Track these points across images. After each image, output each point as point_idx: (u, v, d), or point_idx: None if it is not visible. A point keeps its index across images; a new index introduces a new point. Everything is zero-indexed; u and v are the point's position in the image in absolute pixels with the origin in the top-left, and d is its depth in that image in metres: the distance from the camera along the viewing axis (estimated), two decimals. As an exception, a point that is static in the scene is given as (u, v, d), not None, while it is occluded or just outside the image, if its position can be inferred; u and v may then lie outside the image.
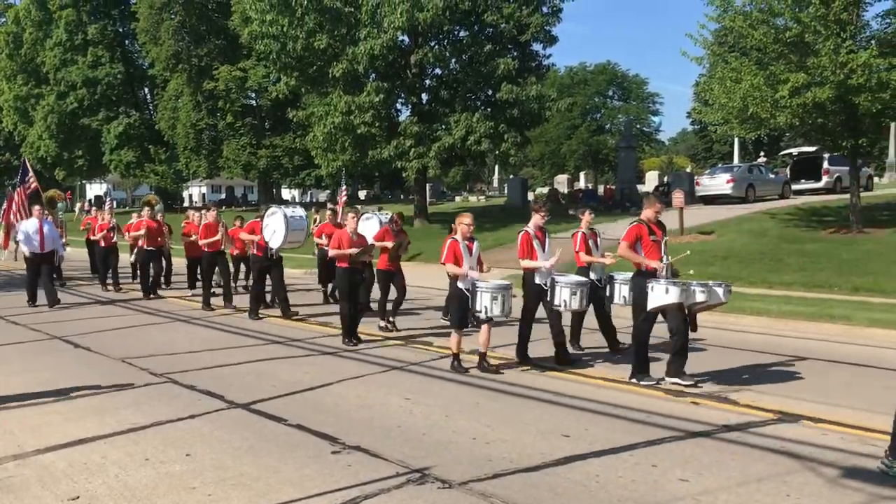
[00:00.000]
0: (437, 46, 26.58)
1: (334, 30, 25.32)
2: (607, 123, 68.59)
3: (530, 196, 40.74)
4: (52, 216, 18.09)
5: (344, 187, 23.52)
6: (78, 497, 4.67)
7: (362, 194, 57.91)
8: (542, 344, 8.97)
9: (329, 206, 17.28)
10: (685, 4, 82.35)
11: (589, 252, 9.20)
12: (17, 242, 17.16)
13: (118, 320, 12.51)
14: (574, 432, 5.90)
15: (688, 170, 47.03)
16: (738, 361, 8.60)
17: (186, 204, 66.21)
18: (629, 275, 8.37)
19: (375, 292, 11.11)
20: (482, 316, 7.94)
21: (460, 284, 8.14)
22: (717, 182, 28.14)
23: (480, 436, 5.83)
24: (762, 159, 40.86)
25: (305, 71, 27.15)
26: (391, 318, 11.06)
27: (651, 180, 44.83)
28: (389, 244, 11.10)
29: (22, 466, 5.26)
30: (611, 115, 68.81)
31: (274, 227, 12.19)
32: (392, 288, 11.27)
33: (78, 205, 61.45)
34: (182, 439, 5.80)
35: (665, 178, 41.36)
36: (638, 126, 65.61)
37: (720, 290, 7.56)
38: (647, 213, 7.80)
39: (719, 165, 40.00)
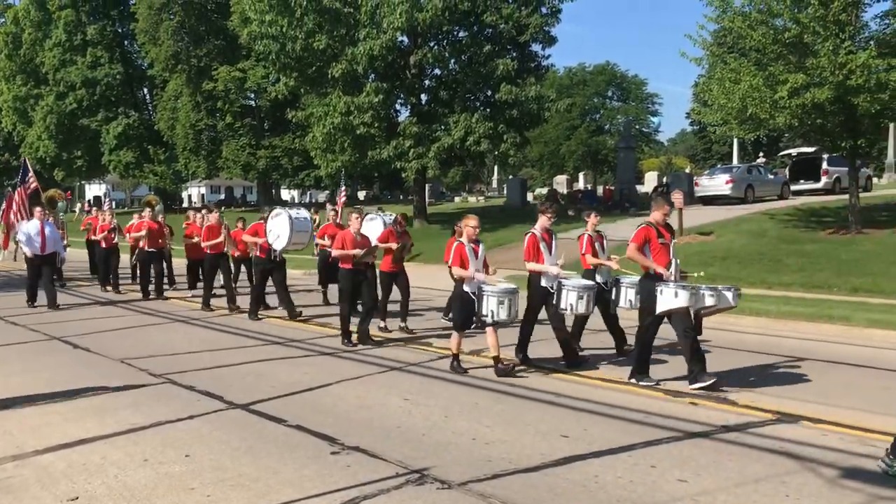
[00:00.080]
0: (436, 47, 26.61)
1: (333, 30, 25.34)
2: (606, 124, 68.69)
3: (529, 197, 40.78)
4: (53, 216, 18.03)
5: (343, 188, 23.50)
6: (77, 498, 4.67)
7: (361, 195, 57.93)
8: (542, 344, 8.97)
9: (329, 206, 17.28)
10: (684, 5, 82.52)
11: (595, 255, 9.11)
12: (16, 243, 17.15)
13: (117, 321, 12.51)
14: (573, 433, 5.90)
15: (687, 170, 47.04)
16: (736, 362, 8.60)
17: (186, 204, 66.22)
18: (636, 278, 8.35)
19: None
20: (488, 320, 7.86)
21: (466, 287, 8.09)
22: (717, 183, 28.17)
23: (480, 436, 5.84)
24: (761, 160, 40.87)
25: (305, 71, 27.17)
26: (403, 322, 11.00)
27: (650, 181, 44.85)
28: (394, 245, 11.04)
29: (21, 467, 5.26)
30: (610, 115, 68.91)
31: (278, 231, 12.04)
32: (396, 291, 11.21)
33: (78, 205, 61.47)
34: (181, 440, 5.80)
35: (664, 179, 41.37)
36: (637, 127, 65.70)
37: (729, 294, 7.44)
38: (655, 215, 7.72)
39: (718, 166, 40.03)
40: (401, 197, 52.86)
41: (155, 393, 7.38)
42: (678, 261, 7.66)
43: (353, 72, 25.35)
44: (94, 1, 50.44)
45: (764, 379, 7.81)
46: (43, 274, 14.34)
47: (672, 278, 7.43)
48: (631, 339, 8.95)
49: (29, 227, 14.55)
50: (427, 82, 28.15)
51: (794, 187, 28.95)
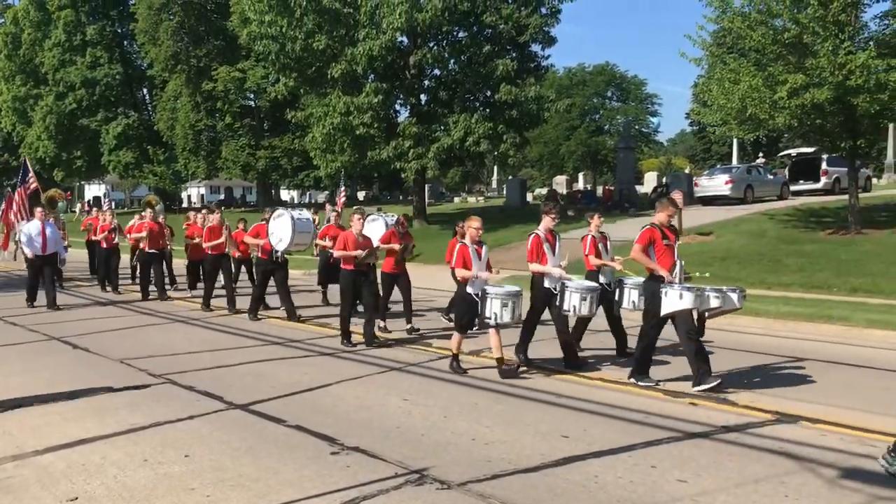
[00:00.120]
0: (435, 47, 26.62)
1: (333, 31, 25.35)
2: (606, 124, 68.71)
3: (529, 197, 40.78)
4: (53, 216, 17.98)
5: (343, 188, 23.61)
6: (77, 498, 4.67)
7: (361, 195, 57.93)
8: (542, 345, 8.97)
9: (329, 207, 17.27)
10: (684, 5, 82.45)
11: (598, 256, 9.07)
12: (16, 243, 17.11)
13: (117, 321, 12.50)
14: (573, 433, 5.90)
15: (686, 171, 47.11)
16: (736, 362, 8.60)
17: (185, 205, 66.19)
18: (639, 279, 8.33)
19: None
20: (491, 322, 7.81)
21: (469, 289, 8.06)
22: (716, 183, 28.16)
23: (479, 436, 5.84)
24: (761, 160, 40.92)
25: (304, 72, 27.17)
26: (409, 323, 10.96)
27: (650, 181, 44.85)
28: (396, 246, 10.98)
29: (21, 467, 5.26)
30: (609, 115, 68.93)
31: (280, 234, 11.97)
32: (396, 292, 11.16)
33: (78, 205, 61.45)
34: (181, 440, 5.80)
35: (664, 179, 41.37)
36: (636, 127, 65.73)
37: (735, 296, 7.41)
38: (659, 216, 7.67)
39: (718, 166, 40.04)
40: (400, 197, 52.86)
41: (155, 393, 7.38)
42: (683, 262, 7.58)
43: (353, 72, 25.36)
44: (93, 1, 50.41)
45: (763, 379, 7.82)
46: (44, 274, 14.30)
47: (676, 280, 7.38)
48: (632, 342, 8.96)
49: (30, 228, 14.50)
50: (426, 83, 28.16)
51: (793, 188, 28.96)
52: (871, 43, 16.79)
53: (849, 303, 12.20)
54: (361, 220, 10.15)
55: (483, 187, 63.12)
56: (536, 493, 4.67)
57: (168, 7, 43.12)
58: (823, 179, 28.22)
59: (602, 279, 8.96)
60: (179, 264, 17.85)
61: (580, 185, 51.51)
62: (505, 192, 44.26)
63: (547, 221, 8.39)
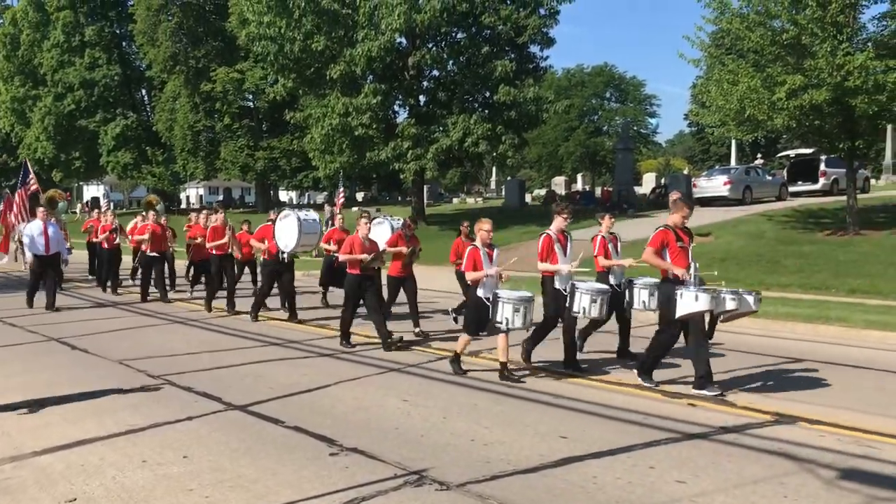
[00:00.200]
0: (434, 48, 26.63)
1: (332, 32, 25.35)
2: (604, 125, 68.77)
3: (528, 198, 40.80)
4: (54, 217, 17.94)
5: (341, 189, 23.59)
6: (75, 499, 4.66)
7: (360, 196, 57.87)
8: (542, 346, 8.93)
9: (327, 207, 17.26)
10: (682, 6, 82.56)
11: (608, 257, 8.92)
12: (18, 243, 17.09)
13: (116, 322, 12.49)
14: (572, 434, 5.91)
15: (685, 172, 47.16)
16: (735, 363, 8.61)
17: (184, 206, 66.18)
18: (649, 279, 8.27)
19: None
20: (503, 328, 7.69)
21: (480, 292, 7.95)
22: (715, 184, 28.16)
23: (478, 437, 5.84)
24: (759, 161, 40.92)
25: (303, 73, 27.18)
26: (416, 326, 10.82)
27: (648, 182, 44.92)
28: (404, 249, 10.88)
29: (19, 468, 5.25)
30: (608, 116, 68.99)
31: (287, 232, 11.87)
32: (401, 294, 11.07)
33: (78, 205, 61.41)
34: (180, 441, 5.79)
35: (662, 180, 41.43)
36: (635, 128, 65.77)
37: (751, 298, 7.24)
38: (673, 218, 7.52)
39: (716, 167, 40.06)
40: (399, 198, 52.86)
41: (153, 394, 7.38)
42: (697, 264, 7.42)
43: (352, 73, 25.37)
44: (92, 2, 50.35)
45: (762, 380, 7.82)
46: (46, 275, 14.18)
47: (691, 281, 7.21)
48: (633, 345, 8.96)
49: (32, 228, 14.34)
50: (425, 83, 28.17)
51: (792, 189, 28.97)
52: (870, 44, 16.80)
53: (847, 304, 12.21)
54: (368, 225, 10.07)
55: (482, 188, 63.12)
56: (535, 493, 4.67)
57: (167, 8, 43.11)
58: (822, 180, 28.24)
59: (612, 280, 8.81)
60: (180, 265, 17.86)
61: (579, 186, 51.57)
62: (503, 192, 44.28)
63: (559, 222, 8.29)
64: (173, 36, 42.84)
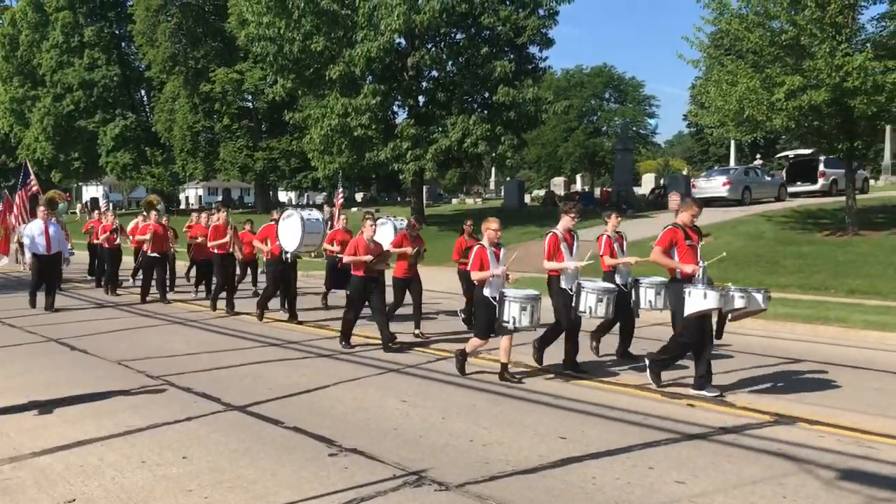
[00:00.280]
0: (433, 49, 26.62)
1: (331, 32, 25.33)
2: (604, 126, 68.77)
3: (527, 198, 40.82)
4: (55, 217, 17.90)
5: (340, 189, 23.56)
6: (74, 500, 4.66)
7: (359, 196, 57.89)
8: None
9: (326, 208, 17.25)
10: (681, 7, 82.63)
11: (614, 256, 8.83)
12: (19, 244, 17.06)
13: (115, 323, 12.48)
14: (571, 434, 5.91)
15: (684, 172, 47.21)
16: (734, 364, 8.61)
17: (183, 206, 66.15)
18: (655, 279, 8.23)
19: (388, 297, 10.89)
20: (510, 327, 7.62)
21: (486, 292, 7.89)
22: (714, 184, 28.17)
23: (478, 438, 5.84)
24: (758, 162, 40.97)
25: (302, 73, 27.15)
26: (417, 328, 10.80)
27: (647, 183, 44.95)
28: (409, 250, 10.82)
29: (18, 469, 5.25)
30: (607, 117, 68.99)
31: (290, 233, 11.85)
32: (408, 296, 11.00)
33: (78, 206, 61.37)
34: (179, 441, 5.79)
35: (661, 181, 41.44)
36: (634, 128, 65.76)
37: (759, 296, 7.17)
38: (683, 216, 7.47)
39: (715, 168, 40.08)
40: (398, 199, 52.86)
41: (153, 395, 7.37)
42: (706, 263, 7.38)
43: (351, 73, 25.34)
44: (91, 3, 50.36)
45: (761, 380, 7.82)
46: (47, 275, 14.08)
47: (701, 279, 7.15)
48: (634, 347, 8.94)
49: (32, 228, 14.26)
50: (424, 84, 28.15)
51: (791, 189, 28.99)
52: (869, 45, 16.81)
53: (846, 304, 12.23)
54: (373, 227, 10.04)
55: (481, 189, 63.15)
56: (534, 494, 4.67)
57: (166, 8, 43.08)
58: (821, 181, 28.26)
59: (618, 279, 8.71)
60: (181, 266, 17.83)
61: (578, 186, 51.57)
62: (503, 193, 44.29)
63: (566, 221, 8.24)
64: (172, 36, 42.82)
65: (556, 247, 8.10)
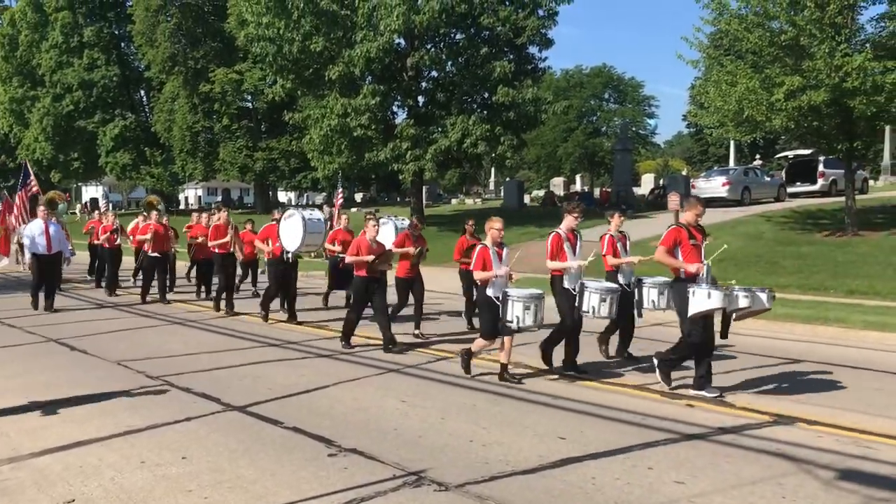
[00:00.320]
0: (433, 49, 26.62)
1: (330, 32, 25.33)
2: (603, 126, 68.71)
3: (527, 199, 40.82)
4: (55, 217, 17.87)
5: (340, 190, 23.55)
6: (73, 500, 4.66)
7: (359, 197, 57.88)
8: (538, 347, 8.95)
9: (326, 208, 17.24)
10: (681, 8, 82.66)
11: (617, 256, 8.78)
12: (19, 244, 17.04)
13: (115, 323, 12.48)
14: (571, 435, 5.91)
15: (683, 173, 47.19)
16: (733, 364, 8.62)
17: (183, 206, 66.15)
18: (658, 278, 8.22)
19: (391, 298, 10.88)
20: (513, 326, 7.60)
21: (489, 292, 7.86)
22: (713, 185, 28.19)
23: (477, 438, 5.84)
24: (758, 162, 40.98)
25: (301, 73, 27.15)
26: (417, 328, 10.77)
27: (647, 183, 44.95)
28: (411, 250, 10.79)
29: (17, 469, 5.25)
30: (606, 117, 68.92)
31: (291, 233, 11.82)
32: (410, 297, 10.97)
33: (78, 206, 61.36)
34: (178, 442, 5.79)
35: (661, 181, 41.44)
36: (634, 129, 65.68)
37: (764, 296, 7.14)
38: (687, 216, 7.46)
39: (715, 168, 40.09)
40: (398, 199, 52.84)
41: (152, 395, 7.37)
42: (710, 263, 7.35)
43: (350, 74, 25.34)
44: (90, 3, 50.33)
45: (760, 381, 7.82)
46: (47, 275, 14.06)
47: (705, 278, 7.12)
48: (633, 348, 8.94)
49: (32, 228, 14.24)
50: (424, 84, 28.15)
51: (790, 189, 29.00)
52: (868, 45, 16.83)
53: (845, 304, 12.23)
54: (376, 227, 10.00)
55: (480, 189, 63.12)
56: (534, 494, 4.68)
57: (165, 9, 43.07)
58: (820, 181, 28.27)
59: (621, 279, 8.67)
60: (181, 266, 17.82)
61: (577, 186, 51.53)
62: (502, 193, 44.29)
63: (569, 220, 8.21)
64: (172, 37, 42.81)
65: (559, 246, 8.07)
